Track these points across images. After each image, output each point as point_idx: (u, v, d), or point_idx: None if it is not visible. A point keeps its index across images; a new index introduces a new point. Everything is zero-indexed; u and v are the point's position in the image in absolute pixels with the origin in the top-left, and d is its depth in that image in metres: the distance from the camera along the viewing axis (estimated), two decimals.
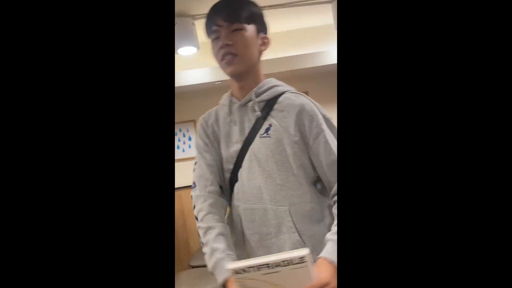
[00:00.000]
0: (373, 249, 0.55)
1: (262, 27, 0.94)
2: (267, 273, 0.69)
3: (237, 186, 0.93)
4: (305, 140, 0.88)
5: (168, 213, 0.59)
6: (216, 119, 0.98)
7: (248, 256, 0.89)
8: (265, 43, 0.94)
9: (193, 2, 2.17)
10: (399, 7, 0.56)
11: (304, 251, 0.68)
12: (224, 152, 0.96)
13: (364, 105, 0.57)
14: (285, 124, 0.89)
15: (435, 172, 0.54)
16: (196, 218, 0.92)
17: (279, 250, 0.85)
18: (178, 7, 2.20)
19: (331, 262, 0.75)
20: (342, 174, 0.61)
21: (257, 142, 0.90)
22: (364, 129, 0.57)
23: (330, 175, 0.87)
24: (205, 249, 0.86)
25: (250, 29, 0.90)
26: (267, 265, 0.69)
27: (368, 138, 0.57)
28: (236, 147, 0.93)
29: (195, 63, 2.74)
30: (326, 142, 0.86)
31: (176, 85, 3.42)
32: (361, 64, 0.57)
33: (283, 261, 0.68)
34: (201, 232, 0.89)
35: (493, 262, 0.51)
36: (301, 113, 0.88)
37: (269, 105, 0.91)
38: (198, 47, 2.41)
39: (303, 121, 0.88)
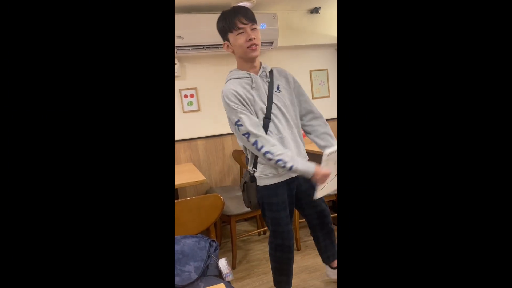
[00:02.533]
0: (372, 252, 0.56)
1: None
2: (330, 154, 1.41)
3: (270, 125, 1.50)
4: (292, 89, 1.60)
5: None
6: (245, 89, 1.48)
7: None
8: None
9: None
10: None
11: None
12: (256, 106, 1.48)
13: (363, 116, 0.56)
14: (284, 83, 1.57)
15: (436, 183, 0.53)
16: (258, 149, 1.42)
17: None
18: None
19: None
20: (342, 177, 0.61)
21: (276, 96, 1.52)
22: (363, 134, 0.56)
23: (301, 104, 1.63)
24: (284, 161, 1.42)
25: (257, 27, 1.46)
26: (334, 151, 1.43)
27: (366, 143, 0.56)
28: (265, 101, 1.51)
29: None
30: (299, 87, 1.63)
31: None
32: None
33: (336, 151, 1.43)
34: (274, 155, 1.42)
35: (489, 276, 0.51)
36: (288, 76, 1.61)
37: (270, 74, 1.55)
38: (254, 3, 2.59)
39: (290, 79, 1.60)
